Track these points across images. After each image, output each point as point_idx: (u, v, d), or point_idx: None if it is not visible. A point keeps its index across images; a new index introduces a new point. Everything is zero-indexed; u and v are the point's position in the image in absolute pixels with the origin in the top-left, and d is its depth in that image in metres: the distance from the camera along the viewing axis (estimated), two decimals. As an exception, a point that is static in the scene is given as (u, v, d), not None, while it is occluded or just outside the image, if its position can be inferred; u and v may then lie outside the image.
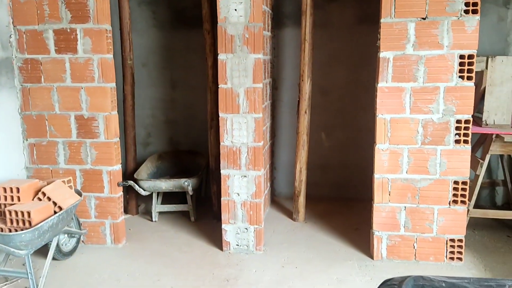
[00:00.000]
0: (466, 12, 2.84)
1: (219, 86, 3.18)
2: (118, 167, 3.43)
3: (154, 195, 3.96)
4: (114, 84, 3.31)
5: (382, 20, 2.95)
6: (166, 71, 4.56)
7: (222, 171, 3.28)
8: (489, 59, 3.22)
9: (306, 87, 3.78)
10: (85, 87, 3.26)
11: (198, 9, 4.23)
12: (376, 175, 3.11)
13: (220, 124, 3.23)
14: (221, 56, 3.14)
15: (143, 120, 4.61)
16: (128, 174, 4.03)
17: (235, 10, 3.08)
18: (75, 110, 3.31)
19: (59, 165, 3.40)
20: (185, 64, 4.51)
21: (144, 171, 4.08)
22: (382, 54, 2.98)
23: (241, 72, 3.14)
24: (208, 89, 3.86)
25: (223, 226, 3.35)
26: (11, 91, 3.26)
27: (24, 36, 3.24)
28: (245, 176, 3.26)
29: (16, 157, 3.33)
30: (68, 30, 3.20)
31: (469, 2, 2.83)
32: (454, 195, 3.04)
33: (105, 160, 3.35)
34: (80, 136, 3.34)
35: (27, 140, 3.38)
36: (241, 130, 3.21)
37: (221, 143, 3.25)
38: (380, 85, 3.01)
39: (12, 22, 3.23)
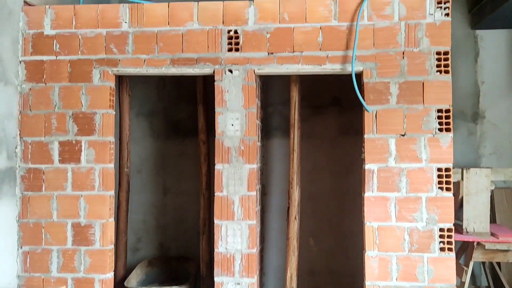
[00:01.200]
0: (440, 130, 3.17)
1: (216, 194, 3.34)
2: (110, 275, 3.42)
3: (144, 304, 3.90)
4: (113, 192, 3.45)
5: (365, 136, 3.25)
6: (159, 177, 4.73)
7: (215, 279, 3.31)
8: (464, 171, 3.51)
9: (296, 194, 3.97)
10: (85, 195, 3.38)
11: (192, 120, 4.55)
12: (367, 282, 3.19)
13: (215, 231, 3.33)
14: (218, 166, 3.34)
15: (134, 226, 4.67)
16: (118, 281, 3.99)
17: (232, 125, 3.35)
18: (73, 218, 3.38)
19: (51, 273, 3.38)
20: (177, 170, 4.71)
21: (134, 278, 4.05)
22: (367, 166, 3.24)
23: (236, 180, 3.33)
24: (201, 195, 4.01)
25: (216, 336, 3.30)
26: (12, 199, 3.35)
27: (30, 147, 3.42)
28: (238, 283, 3.29)
29: (9, 266, 3.31)
30: (73, 142, 3.39)
31: (442, 121, 3.17)
32: (444, 302, 3.13)
33: (99, 267, 3.36)
34: (75, 243, 3.37)
35: (21, 248, 3.40)
36: (236, 236, 3.31)
37: (216, 250, 3.33)
38: (367, 194, 3.23)
39: (19, 134, 3.42)
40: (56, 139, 3.41)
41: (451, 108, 3.16)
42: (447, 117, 3.16)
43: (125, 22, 3.41)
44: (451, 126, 3.16)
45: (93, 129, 3.39)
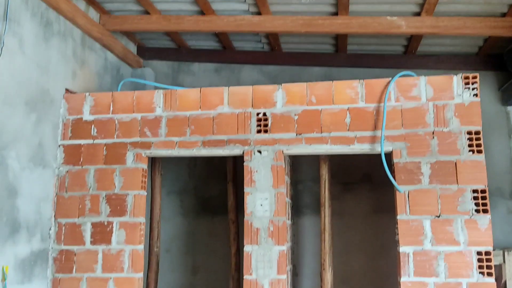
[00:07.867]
0: (477, 211, 3.05)
1: (244, 277, 3.26)
2: None
3: None
4: (141, 274, 3.41)
5: (398, 217, 3.15)
6: (188, 257, 4.68)
7: None
8: (506, 253, 3.33)
9: (328, 276, 3.82)
10: (114, 278, 3.36)
11: (222, 198, 4.56)
12: None
13: (244, 317, 3.22)
14: (247, 248, 3.29)
15: (162, 307, 4.56)
16: None
17: (261, 205, 3.34)
18: (102, 301, 3.35)
19: None
20: (207, 249, 4.65)
21: None
22: (401, 249, 3.11)
23: (266, 263, 3.25)
24: (230, 277, 3.92)
25: None
26: (43, 282, 3.35)
27: (63, 228, 3.48)
28: None
29: None
30: (105, 223, 3.44)
31: (478, 202, 3.06)
32: None
33: None
34: (103, 328, 3.32)
35: (48, 332, 3.36)
36: (266, 324, 3.18)
37: (245, 338, 3.19)
38: (403, 279, 3.07)
39: (54, 215, 3.50)
40: (89, 220, 3.47)
41: (486, 189, 3.06)
42: (483, 198, 3.06)
43: (159, 107, 3.56)
44: (488, 207, 3.04)
45: (125, 209, 3.44)
